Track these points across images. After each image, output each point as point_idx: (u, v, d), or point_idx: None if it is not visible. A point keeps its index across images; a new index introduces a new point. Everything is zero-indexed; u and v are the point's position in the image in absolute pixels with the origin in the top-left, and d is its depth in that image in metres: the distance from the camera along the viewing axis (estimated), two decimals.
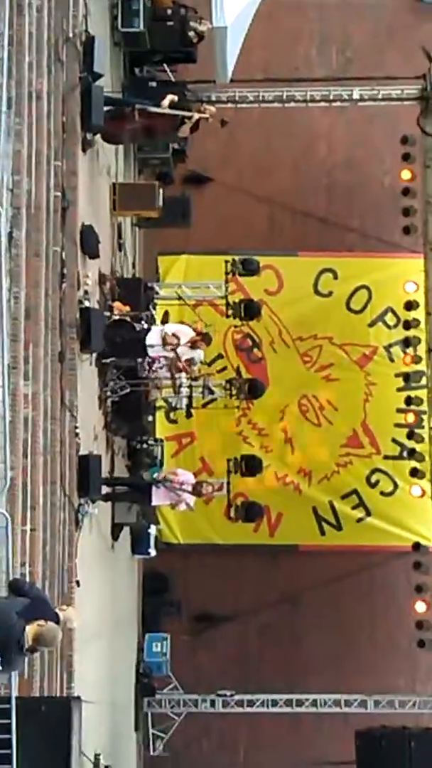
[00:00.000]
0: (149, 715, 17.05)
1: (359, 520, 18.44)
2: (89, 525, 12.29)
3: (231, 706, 16.87)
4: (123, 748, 14.98)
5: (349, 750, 14.82)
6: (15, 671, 8.48)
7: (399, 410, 18.18)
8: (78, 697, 10.34)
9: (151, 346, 13.14)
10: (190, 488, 13.15)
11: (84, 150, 12.36)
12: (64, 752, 9.42)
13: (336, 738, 16.69)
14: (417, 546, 17.92)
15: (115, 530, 14.09)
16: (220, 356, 18.01)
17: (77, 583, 11.49)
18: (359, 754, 13.91)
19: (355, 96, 17.10)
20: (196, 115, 13.77)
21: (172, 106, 13.57)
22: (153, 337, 13.25)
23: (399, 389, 18.17)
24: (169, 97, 13.61)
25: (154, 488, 13.00)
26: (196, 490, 13.04)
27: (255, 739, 17.84)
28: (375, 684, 17.36)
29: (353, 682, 17.33)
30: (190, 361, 13.36)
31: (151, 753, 17.05)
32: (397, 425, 18.24)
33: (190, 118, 13.71)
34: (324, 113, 18.38)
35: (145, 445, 15.07)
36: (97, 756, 12.46)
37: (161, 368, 13.27)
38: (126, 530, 14.89)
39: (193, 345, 13.47)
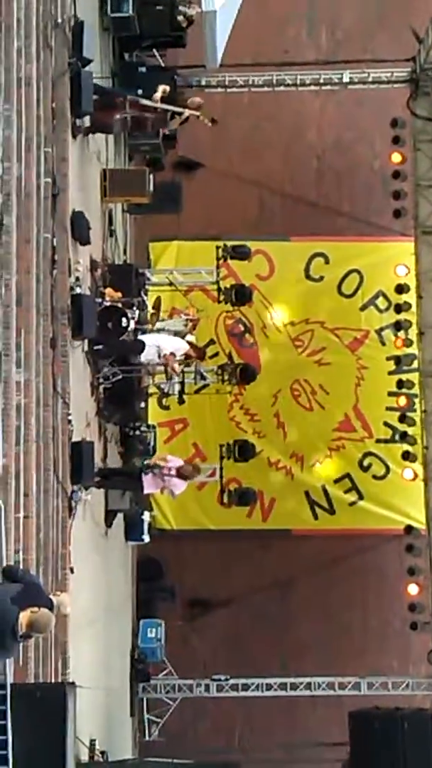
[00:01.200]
0: (144, 700, 17.11)
1: (352, 503, 18.49)
2: (82, 512, 12.30)
3: (226, 690, 16.92)
4: (118, 734, 15.02)
5: (343, 731, 14.90)
6: (10, 658, 8.49)
7: (390, 394, 18.21)
8: (73, 683, 10.37)
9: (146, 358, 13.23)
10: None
11: (74, 136, 12.32)
12: (59, 738, 9.45)
13: (330, 720, 16.79)
14: (409, 529, 17.97)
15: (109, 517, 14.10)
16: (212, 342, 18.01)
17: (71, 569, 11.50)
18: (353, 735, 14.00)
19: (345, 79, 17.06)
20: (187, 112, 13.74)
21: (164, 98, 13.52)
22: (148, 353, 13.27)
23: (390, 373, 18.19)
24: (161, 88, 13.56)
25: (144, 475, 13.01)
26: (180, 473, 13.06)
27: (250, 723, 17.92)
28: (368, 666, 17.44)
29: (347, 664, 17.40)
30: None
31: (147, 738, 17.11)
32: (389, 409, 18.26)
33: (180, 114, 13.68)
34: (314, 97, 18.35)
35: (137, 432, 15.07)
36: (92, 741, 12.50)
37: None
38: (119, 517, 14.90)
39: (187, 358, 13.58)
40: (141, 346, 13.35)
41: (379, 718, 13.80)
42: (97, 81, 12.93)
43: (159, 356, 13.39)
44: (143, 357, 13.34)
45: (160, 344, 13.53)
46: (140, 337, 13.55)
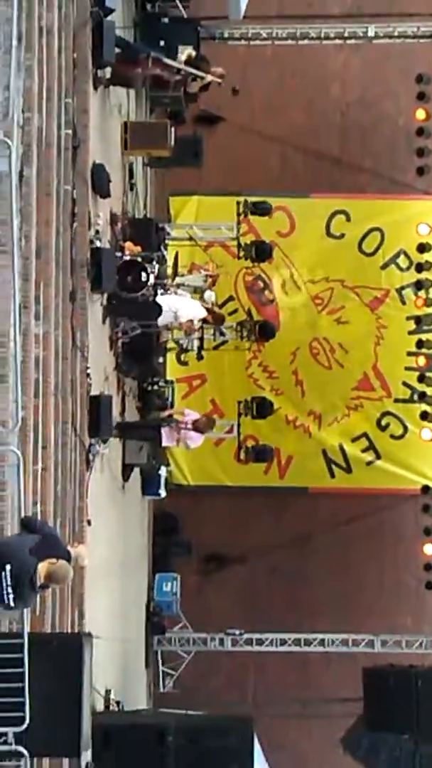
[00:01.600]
0: (159, 652, 17.25)
1: (369, 463, 18.47)
2: (100, 465, 12.34)
3: (240, 645, 17.05)
4: (133, 685, 15.17)
5: (356, 689, 14.99)
6: (27, 608, 8.54)
7: (410, 353, 18.11)
8: (89, 634, 10.45)
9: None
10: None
11: (95, 87, 12.21)
12: (75, 687, 9.53)
13: (343, 677, 16.88)
14: (426, 489, 17.97)
15: (126, 471, 14.14)
16: (231, 298, 17.93)
17: (88, 522, 11.56)
18: (366, 691, 14.06)
19: (370, 33, 16.85)
20: (209, 77, 13.61)
21: (188, 62, 13.41)
22: (165, 317, 13.21)
23: (410, 332, 18.09)
24: (187, 52, 13.45)
25: (162, 428, 13.03)
26: (196, 426, 13.05)
27: (263, 678, 18.04)
28: (382, 625, 17.52)
29: (361, 622, 17.49)
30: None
31: (161, 690, 17.28)
32: (408, 368, 18.18)
33: (202, 78, 13.56)
34: (338, 51, 18.10)
35: (155, 387, 15.06)
36: (107, 691, 12.62)
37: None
38: (136, 471, 14.94)
39: (205, 323, 13.53)
40: (158, 310, 13.27)
41: (393, 675, 13.87)
42: (118, 31, 12.79)
43: (176, 321, 13.33)
44: (160, 321, 13.28)
45: (179, 310, 13.46)
46: (158, 299, 13.44)
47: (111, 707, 12.71)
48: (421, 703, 13.42)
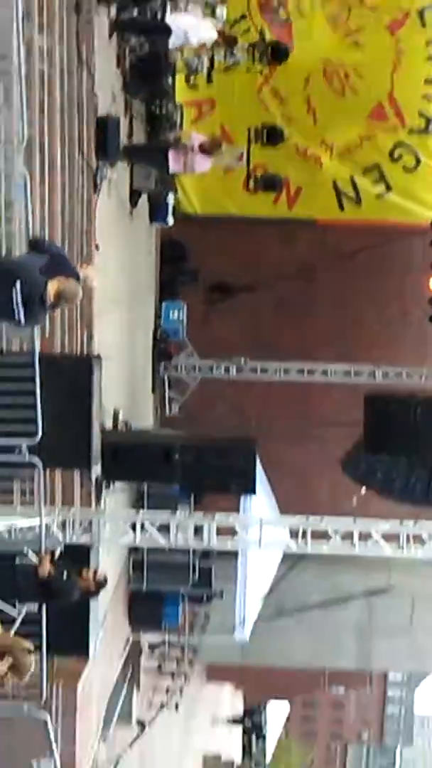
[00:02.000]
0: (166, 378, 17.62)
1: (379, 195, 18.17)
2: (108, 189, 12.13)
3: (245, 373, 17.36)
4: (140, 408, 15.59)
5: (356, 417, 15.36)
6: (38, 325, 8.61)
7: (427, 81, 17.42)
8: (99, 356, 10.61)
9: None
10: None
11: None
12: (85, 405, 9.78)
13: (344, 406, 17.29)
14: None
15: (134, 196, 13.92)
16: (243, 17, 17.03)
17: (96, 246, 11.48)
18: (366, 416, 14.33)
19: None
20: None
21: None
22: (176, 39, 12.50)
23: (429, 58, 17.31)
24: None
25: (171, 151, 12.70)
26: (203, 148, 12.73)
27: (266, 407, 18.49)
28: (385, 357, 17.78)
29: (364, 354, 17.74)
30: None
31: (167, 413, 17.77)
32: (425, 97, 17.55)
33: None
34: None
35: (164, 110, 14.57)
36: (116, 411, 12.97)
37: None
38: (144, 198, 14.71)
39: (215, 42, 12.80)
40: (168, 31, 12.61)
41: (393, 402, 14.15)
42: None
43: (187, 43, 12.69)
44: (170, 44, 12.63)
45: (189, 31, 12.81)
46: (167, 19, 12.75)
47: (119, 427, 13.10)
48: (419, 430, 13.73)
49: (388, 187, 18.17)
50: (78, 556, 9.92)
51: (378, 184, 18.17)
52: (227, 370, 17.36)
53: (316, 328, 18.30)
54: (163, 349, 16.88)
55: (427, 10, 17.42)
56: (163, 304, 17.04)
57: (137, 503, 14.22)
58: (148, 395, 16.83)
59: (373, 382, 17.32)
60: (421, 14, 17.52)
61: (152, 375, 16.98)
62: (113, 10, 11.98)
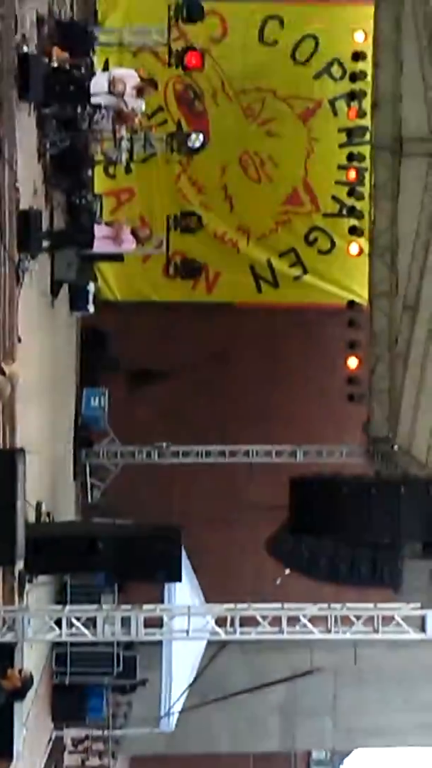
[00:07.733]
0: (87, 465, 17.49)
1: (296, 278, 18.55)
2: (29, 281, 12.12)
3: (166, 457, 17.34)
4: (62, 497, 15.42)
5: (279, 500, 15.38)
6: None
7: (340, 167, 17.89)
8: (22, 449, 10.51)
9: (96, 94, 12.57)
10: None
11: None
12: (9, 500, 9.65)
13: (267, 488, 17.32)
14: (351, 304, 18.08)
15: (55, 287, 13.95)
16: (160, 109, 17.40)
17: (19, 339, 11.43)
18: (293, 497, 14.29)
19: None
20: None
21: None
22: (98, 83, 12.65)
23: (341, 145, 17.79)
24: None
25: (96, 230, 12.82)
26: (134, 232, 12.85)
27: (189, 490, 18.43)
28: (306, 437, 17.92)
29: (285, 435, 17.87)
30: (135, 110, 12.89)
31: (89, 501, 17.60)
32: (338, 183, 18.02)
33: None
34: None
35: (84, 201, 14.67)
36: (38, 503, 12.81)
37: (103, 119, 12.75)
38: (65, 288, 14.75)
39: (138, 92, 12.94)
40: (90, 76, 12.76)
41: (318, 483, 14.16)
42: None
43: (109, 85, 12.74)
44: (93, 87, 12.68)
45: (112, 71, 13.01)
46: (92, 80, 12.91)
47: (42, 518, 12.92)
48: (347, 510, 13.69)
49: (305, 270, 18.57)
50: (1, 655, 9.69)
51: (295, 267, 18.56)
52: (149, 455, 17.33)
53: (237, 410, 18.42)
54: (84, 437, 16.80)
55: (338, 100, 17.98)
56: (84, 392, 17.00)
57: (60, 595, 14.01)
58: (69, 483, 16.67)
59: (294, 461, 17.43)
60: (332, 104, 18.10)
61: (73, 462, 16.86)
62: (33, 106, 12.08)
